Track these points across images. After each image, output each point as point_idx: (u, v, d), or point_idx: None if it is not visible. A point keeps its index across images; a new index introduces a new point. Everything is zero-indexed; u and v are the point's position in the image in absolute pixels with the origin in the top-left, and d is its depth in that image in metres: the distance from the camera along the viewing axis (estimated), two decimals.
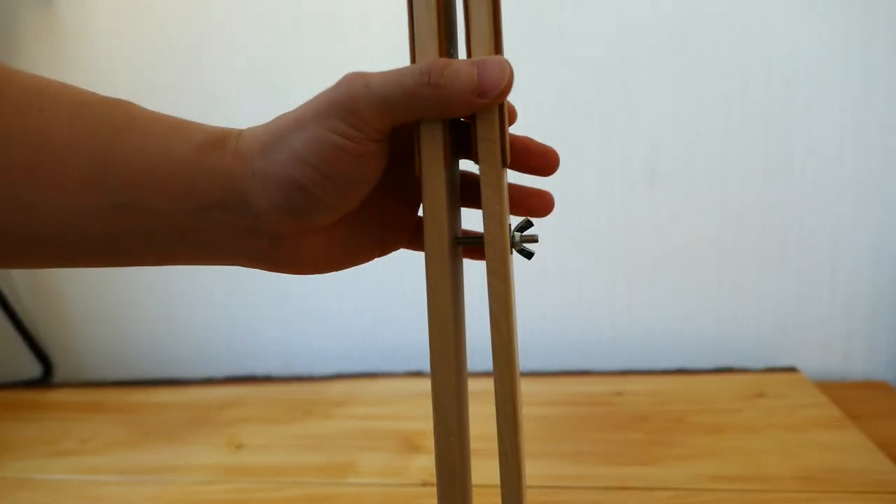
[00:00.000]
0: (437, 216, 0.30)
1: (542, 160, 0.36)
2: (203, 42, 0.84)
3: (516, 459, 0.31)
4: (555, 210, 0.33)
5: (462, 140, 0.33)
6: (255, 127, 0.31)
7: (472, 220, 0.37)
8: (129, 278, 0.92)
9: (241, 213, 0.30)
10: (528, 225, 0.33)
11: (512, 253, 0.33)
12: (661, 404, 0.72)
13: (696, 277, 0.82)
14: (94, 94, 0.30)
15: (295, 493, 0.59)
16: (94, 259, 0.30)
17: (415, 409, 0.74)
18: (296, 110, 0.30)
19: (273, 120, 0.31)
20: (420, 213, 0.34)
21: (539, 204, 0.37)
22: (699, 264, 0.82)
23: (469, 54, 0.29)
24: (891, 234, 0.79)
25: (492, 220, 0.30)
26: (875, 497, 0.52)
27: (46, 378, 0.94)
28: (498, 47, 0.29)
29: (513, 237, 0.32)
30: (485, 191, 0.30)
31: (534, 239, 0.33)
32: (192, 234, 0.30)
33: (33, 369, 0.94)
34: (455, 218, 0.34)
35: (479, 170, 0.30)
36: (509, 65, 0.28)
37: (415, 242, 0.38)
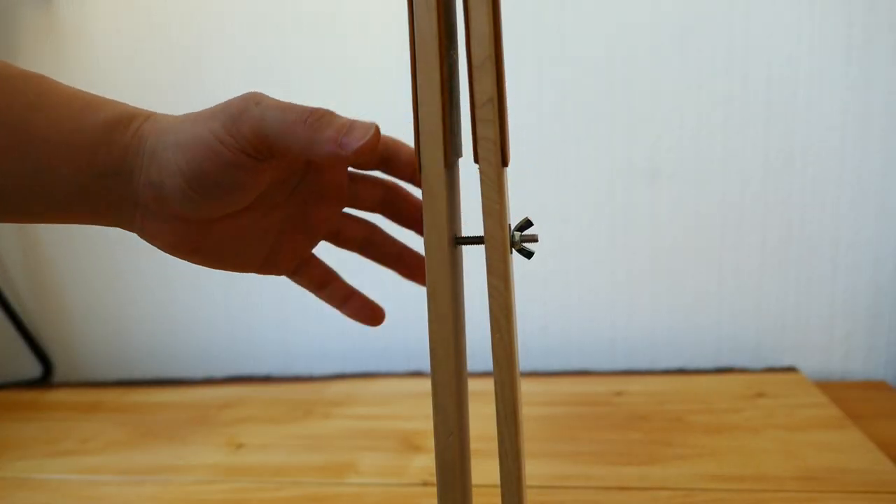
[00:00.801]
0: (437, 216, 0.30)
1: (409, 170, 0.39)
2: (203, 42, 0.84)
3: (516, 459, 0.31)
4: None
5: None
6: (168, 114, 0.34)
7: (471, 220, 0.37)
8: (130, 279, 0.92)
9: (128, 184, 0.32)
10: (528, 224, 0.33)
11: (512, 253, 0.33)
12: (661, 404, 0.72)
13: (696, 277, 0.83)
14: (10, 66, 0.32)
15: (295, 493, 0.59)
16: (7, 215, 0.33)
17: (415, 409, 0.74)
18: (204, 109, 0.33)
19: (186, 113, 0.34)
20: (314, 254, 0.39)
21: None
22: (699, 264, 0.82)
23: (469, 55, 0.29)
24: (891, 234, 0.79)
25: (491, 219, 0.30)
26: (875, 497, 0.52)
27: (46, 378, 0.94)
28: (498, 47, 0.29)
29: (512, 237, 0.32)
30: (484, 191, 0.30)
31: (534, 239, 0.33)
32: (92, 198, 0.33)
33: (33, 369, 0.94)
34: (455, 218, 0.34)
35: (479, 170, 0.30)
36: (377, 132, 0.32)
37: (298, 275, 0.41)
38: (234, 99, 0.32)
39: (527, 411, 0.70)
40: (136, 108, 0.34)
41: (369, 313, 0.43)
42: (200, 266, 0.37)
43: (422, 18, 0.29)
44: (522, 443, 0.33)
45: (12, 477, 0.64)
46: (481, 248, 0.31)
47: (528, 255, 0.33)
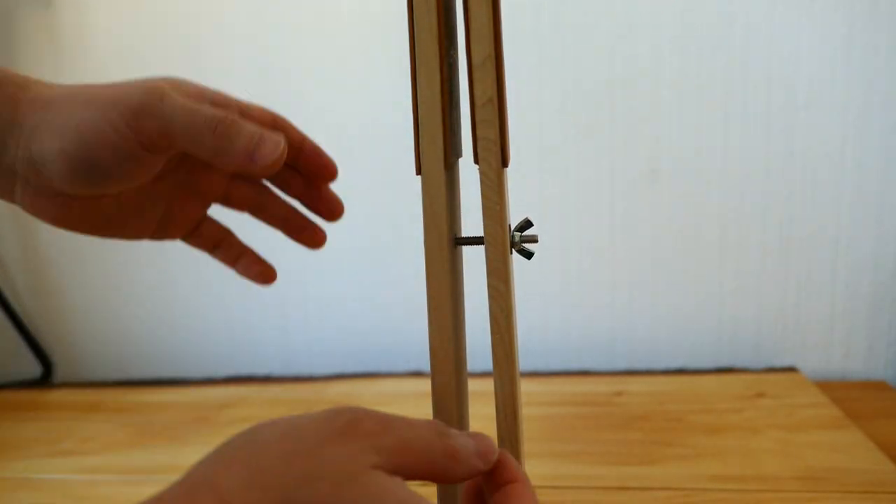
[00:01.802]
0: (436, 216, 0.30)
1: (320, 168, 0.39)
2: (203, 42, 0.84)
3: (516, 459, 0.31)
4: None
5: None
6: (51, 84, 0.32)
7: (471, 221, 0.37)
8: (130, 278, 0.92)
9: (1, 156, 0.31)
10: (528, 225, 0.33)
11: (512, 253, 0.33)
12: (661, 404, 0.72)
13: (696, 277, 0.82)
14: None
15: None
16: None
17: (415, 409, 0.74)
18: (94, 87, 0.31)
19: (71, 86, 0.32)
20: (208, 214, 0.39)
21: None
22: (699, 264, 0.82)
23: (469, 55, 0.29)
24: (891, 234, 0.79)
25: (492, 220, 0.30)
26: (875, 497, 0.52)
27: (46, 378, 0.94)
28: (498, 47, 0.29)
29: (512, 237, 0.32)
30: (485, 191, 0.30)
31: (533, 239, 0.33)
32: None
33: (33, 369, 0.94)
34: (455, 218, 0.34)
35: (479, 170, 0.30)
36: (285, 145, 0.31)
37: (192, 238, 0.40)
38: (133, 87, 0.30)
39: (527, 411, 0.70)
40: (6, 71, 0.31)
41: (260, 270, 0.42)
42: (90, 237, 0.36)
43: (421, 18, 0.29)
44: (523, 443, 0.33)
45: (12, 477, 0.64)
46: (481, 248, 0.31)
47: (528, 255, 0.33)
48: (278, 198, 0.42)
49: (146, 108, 0.30)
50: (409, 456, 0.27)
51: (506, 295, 0.31)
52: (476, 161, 0.30)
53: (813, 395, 0.72)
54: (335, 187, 0.44)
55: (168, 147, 0.31)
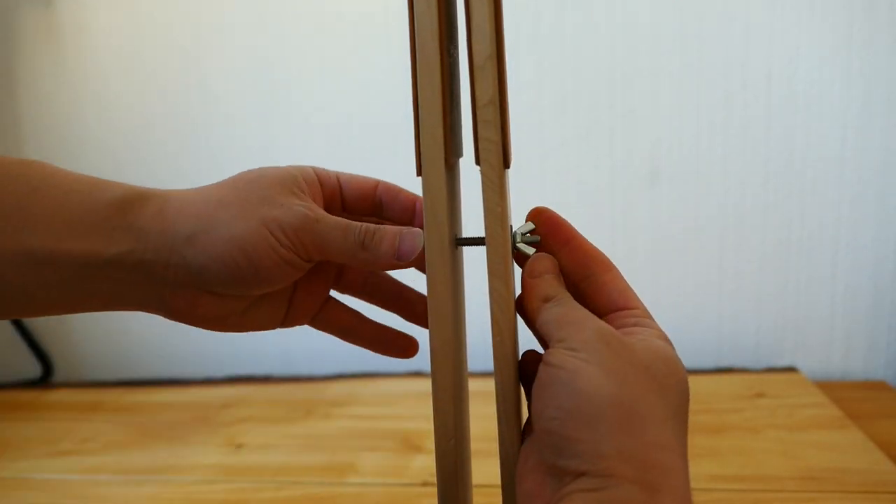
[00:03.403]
0: (437, 216, 0.30)
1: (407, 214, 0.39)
2: (203, 42, 0.84)
3: (516, 459, 0.31)
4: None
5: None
6: (184, 193, 0.34)
7: (474, 221, 0.37)
8: None
9: (149, 269, 0.32)
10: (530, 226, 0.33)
11: (513, 254, 0.32)
12: None
13: (696, 278, 0.82)
14: (5, 157, 0.31)
15: (295, 493, 0.59)
16: (8, 308, 0.32)
17: (415, 409, 0.74)
18: (233, 191, 0.34)
19: (204, 191, 0.34)
20: (329, 296, 0.41)
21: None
22: (699, 264, 0.82)
23: (470, 54, 0.29)
24: (891, 234, 0.79)
25: (492, 220, 0.30)
26: (875, 497, 0.52)
27: (46, 378, 0.94)
28: (500, 47, 0.29)
29: (514, 237, 0.32)
30: (486, 192, 0.30)
31: (535, 240, 0.33)
32: (104, 285, 0.32)
33: (33, 369, 0.94)
34: (455, 218, 0.34)
35: (480, 171, 0.30)
36: (422, 237, 0.32)
37: (317, 322, 0.42)
38: (284, 210, 0.33)
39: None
40: (145, 189, 0.33)
41: (401, 346, 0.43)
42: (225, 332, 0.37)
43: (422, 18, 0.29)
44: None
45: (12, 477, 0.64)
46: (483, 249, 0.31)
47: (529, 257, 0.33)
48: (388, 276, 0.43)
49: (305, 229, 0.33)
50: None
51: (506, 296, 0.31)
52: (477, 162, 0.30)
53: (813, 395, 0.72)
54: None
55: (322, 258, 0.35)
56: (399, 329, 0.42)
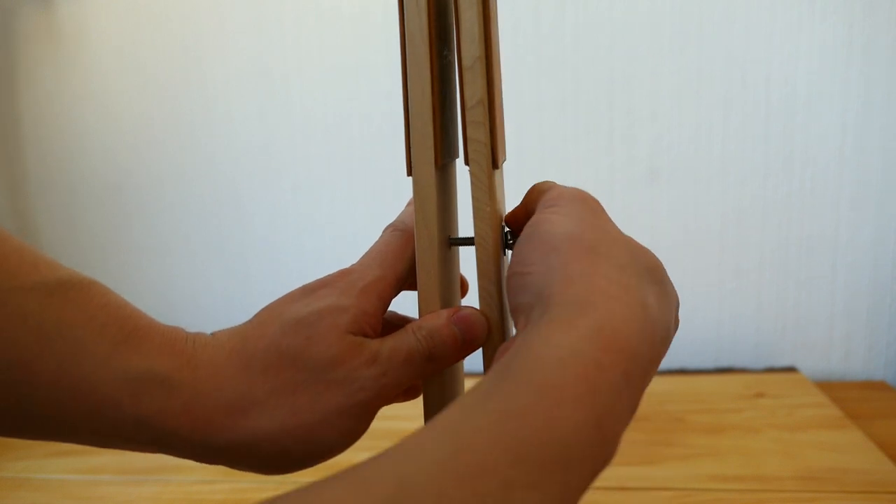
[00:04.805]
0: (427, 216, 0.30)
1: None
2: (203, 41, 0.84)
3: None
4: None
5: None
6: (213, 357, 0.31)
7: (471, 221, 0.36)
8: (130, 278, 0.92)
9: (178, 447, 0.30)
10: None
11: (504, 254, 0.32)
12: (662, 404, 0.71)
13: (695, 278, 0.82)
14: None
15: None
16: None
17: (414, 409, 0.74)
18: (275, 371, 0.31)
19: (235, 356, 0.32)
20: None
21: None
22: (699, 264, 0.82)
23: (459, 56, 0.29)
24: (891, 234, 0.79)
25: (482, 221, 0.30)
26: (875, 497, 0.52)
27: None
28: (489, 48, 0.29)
29: (505, 237, 0.32)
30: (475, 192, 0.30)
31: None
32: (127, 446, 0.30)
33: None
34: (450, 218, 0.33)
35: (469, 171, 0.30)
36: (486, 318, 0.31)
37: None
38: (340, 387, 0.30)
39: None
40: (171, 362, 0.31)
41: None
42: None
43: (412, 19, 0.29)
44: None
45: (12, 477, 0.64)
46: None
47: None
48: None
49: (381, 397, 0.31)
50: None
51: (496, 297, 0.31)
52: (466, 162, 0.30)
53: (813, 395, 0.72)
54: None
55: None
56: None
